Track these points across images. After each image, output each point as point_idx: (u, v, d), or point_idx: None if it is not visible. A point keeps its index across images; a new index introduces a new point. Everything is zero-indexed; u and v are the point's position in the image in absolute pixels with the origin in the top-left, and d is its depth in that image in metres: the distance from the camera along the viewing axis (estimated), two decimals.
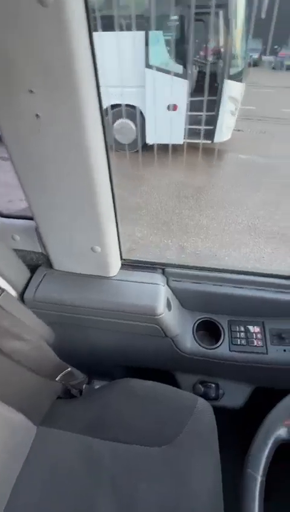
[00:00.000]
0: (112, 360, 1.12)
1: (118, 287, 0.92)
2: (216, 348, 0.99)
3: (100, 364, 1.17)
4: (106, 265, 0.87)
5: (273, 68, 8.03)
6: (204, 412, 0.84)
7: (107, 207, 0.74)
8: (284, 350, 0.96)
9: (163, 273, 1.01)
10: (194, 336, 1.01)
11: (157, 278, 0.97)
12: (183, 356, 0.99)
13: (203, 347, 0.99)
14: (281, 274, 1.00)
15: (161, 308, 0.87)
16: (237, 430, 1.11)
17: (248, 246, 3.15)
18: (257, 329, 1.02)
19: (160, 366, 1.10)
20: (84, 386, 0.90)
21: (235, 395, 1.06)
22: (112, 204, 0.76)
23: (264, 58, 8.05)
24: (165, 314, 0.89)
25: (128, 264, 1.00)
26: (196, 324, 1.04)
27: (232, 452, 0.98)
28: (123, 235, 0.88)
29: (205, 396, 1.01)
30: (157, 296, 0.89)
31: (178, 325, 0.97)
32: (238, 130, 5.29)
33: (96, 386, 1.22)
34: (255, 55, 7.34)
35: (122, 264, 0.97)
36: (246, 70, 4.46)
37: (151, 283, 0.94)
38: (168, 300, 0.94)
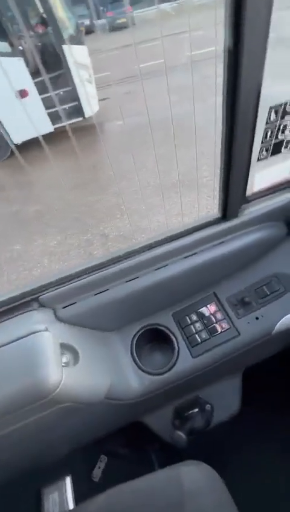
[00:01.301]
0: (49, 459, 0.66)
1: None
2: (173, 366, 0.61)
3: (40, 472, 0.70)
4: None
5: (110, 30, 7.55)
6: (194, 482, 0.47)
7: None
8: (257, 318, 0.64)
9: (40, 305, 0.55)
10: (136, 364, 0.61)
11: (33, 319, 0.51)
12: (135, 402, 0.59)
13: (155, 374, 0.60)
14: (206, 221, 0.64)
15: (53, 377, 0.43)
16: (247, 441, 0.81)
17: (163, 206, 2.87)
18: (212, 307, 0.68)
19: (118, 425, 0.68)
20: None
21: (226, 398, 0.73)
22: None
23: (96, 23, 7.48)
24: (69, 378, 0.45)
25: None
26: (133, 345, 0.63)
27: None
28: (35, 252, 0.40)
29: (191, 433, 0.64)
30: (38, 358, 0.44)
31: (104, 370, 0.55)
32: (105, 99, 4.82)
33: (50, 496, 0.76)
34: (87, 22, 6.71)
35: None
36: (80, 31, 3.92)
37: (23, 336, 0.47)
38: (66, 347, 0.50)
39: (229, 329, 0.64)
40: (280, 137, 0.52)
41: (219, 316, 0.66)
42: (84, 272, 0.59)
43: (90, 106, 4.06)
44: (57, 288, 0.57)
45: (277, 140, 0.52)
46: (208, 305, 0.68)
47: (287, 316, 0.62)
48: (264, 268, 0.67)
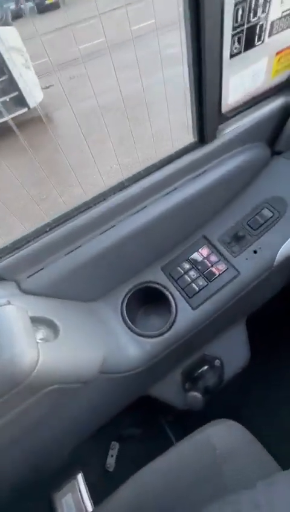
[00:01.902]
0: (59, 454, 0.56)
1: None
2: (173, 323, 0.52)
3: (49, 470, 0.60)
4: None
5: (39, 12, 6.96)
6: (227, 443, 0.40)
7: None
8: (255, 251, 0.57)
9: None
10: (131, 330, 0.52)
11: None
12: (137, 372, 0.50)
13: (155, 336, 0.52)
14: (182, 148, 0.55)
15: (27, 355, 0.31)
16: (265, 388, 0.76)
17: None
18: (204, 251, 0.59)
19: (124, 404, 0.59)
20: None
21: (234, 349, 0.66)
22: None
23: (24, 6, 6.84)
24: (49, 355, 0.35)
25: None
26: (124, 310, 0.54)
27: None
28: None
29: (206, 392, 0.57)
30: (1, 336, 0.32)
31: (94, 341, 0.45)
32: (48, 86, 4.47)
33: (64, 500, 0.67)
34: (13, 6, 6.12)
35: None
36: (4, 12, 3.54)
37: None
38: (40, 321, 0.39)
39: (227, 270, 0.56)
40: (253, 20, 0.43)
41: (214, 258, 0.58)
42: (46, 228, 0.47)
43: (34, 95, 3.74)
44: (16, 253, 0.45)
45: (250, 25, 0.43)
46: (200, 250, 0.59)
47: (287, 242, 0.55)
48: (253, 196, 0.59)
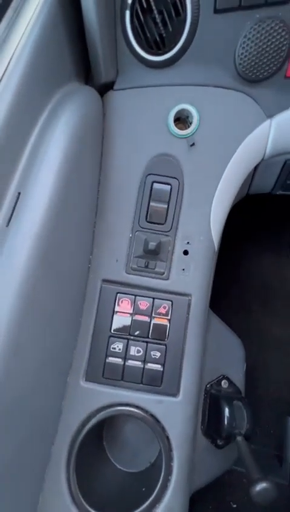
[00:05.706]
0: None
1: None
2: (169, 442, 0.29)
3: None
4: None
5: None
6: None
7: None
8: (185, 252, 0.35)
9: None
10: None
11: None
12: None
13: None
14: None
15: None
16: None
17: None
18: (125, 303, 0.35)
19: None
20: None
21: (226, 349, 0.51)
22: None
23: None
24: None
25: None
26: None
27: None
28: None
29: (248, 435, 0.41)
30: None
31: None
32: None
33: None
34: None
35: None
36: None
37: None
38: None
39: (174, 303, 0.34)
40: None
41: (144, 304, 0.34)
42: None
43: None
44: None
45: None
46: (117, 308, 0.33)
47: (212, 212, 0.35)
48: (123, 175, 0.34)
